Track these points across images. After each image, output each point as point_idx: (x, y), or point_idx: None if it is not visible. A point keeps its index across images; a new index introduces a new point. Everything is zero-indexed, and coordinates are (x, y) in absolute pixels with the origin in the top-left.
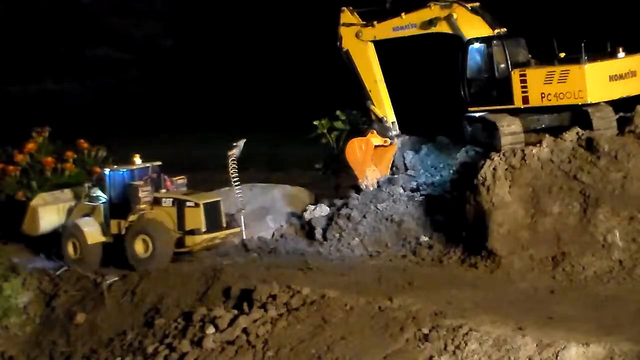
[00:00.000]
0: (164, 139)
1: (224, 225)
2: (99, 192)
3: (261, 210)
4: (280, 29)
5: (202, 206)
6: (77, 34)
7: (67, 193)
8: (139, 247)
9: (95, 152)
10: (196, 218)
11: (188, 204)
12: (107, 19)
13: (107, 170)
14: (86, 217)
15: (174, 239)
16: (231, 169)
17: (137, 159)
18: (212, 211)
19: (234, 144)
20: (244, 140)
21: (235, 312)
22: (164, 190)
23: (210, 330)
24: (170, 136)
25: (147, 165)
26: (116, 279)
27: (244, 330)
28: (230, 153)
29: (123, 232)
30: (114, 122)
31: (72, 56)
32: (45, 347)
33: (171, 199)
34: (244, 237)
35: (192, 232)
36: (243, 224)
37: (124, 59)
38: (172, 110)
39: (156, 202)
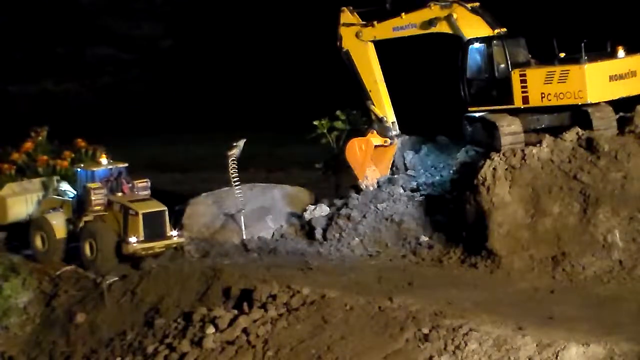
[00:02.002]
0: (164, 139)
1: (167, 235)
2: (66, 187)
3: (261, 210)
4: (280, 29)
5: (141, 215)
6: (77, 34)
7: (36, 184)
8: (87, 248)
9: (93, 151)
10: (135, 226)
11: (130, 211)
12: (107, 19)
13: (77, 168)
14: (55, 211)
15: (116, 244)
16: (231, 169)
17: (103, 160)
18: (153, 221)
19: (234, 144)
20: (244, 140)
21: (235, 312)
22: (120, 194)
23: (210, 330)
24: (170, 136)
25: (110, 167)
26: (116, 279)
27: (244, 330)
28: (230, 153)
29: (78, 229)
30: (114, 122)
31: (72, 56)
32: (45, 347)
33: (119, 204)
34: (244, 237)
35: (127, 241)
36: (243, 224)
37: (124, 59)
38: (172, 110)
39: (109, 205)
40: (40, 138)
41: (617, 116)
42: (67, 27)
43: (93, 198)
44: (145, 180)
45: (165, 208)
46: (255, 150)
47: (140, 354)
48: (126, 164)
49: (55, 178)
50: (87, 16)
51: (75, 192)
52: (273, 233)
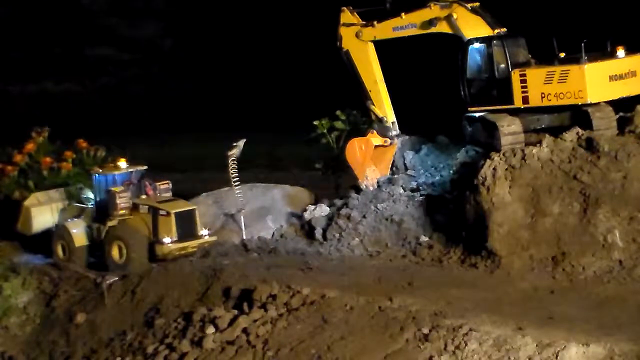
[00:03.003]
0: (164, 139)
1: (198, 234)
2: (89, 194)
3: (261, 210)
4: (280, 29)
5: (173, 215)
6: (77, 34)
7: (61, 193)
8: (115, 252)
9: (94, 152)
10: (168, 227)
11: (161, 212)
12: (107, 19)
13: (94, 174)
14: (75, 219)
15: (148, 246)
16: (231, 169)
17: (122, 163)
18: (184, 220)
19: (234, 144)
20: (244, 140)
21: (235, 312)
22: (144, 196)
23: (210, 330)
24: (170, 136)
25: (131, 170)
26: (116, 279)
27: (244, 330)
28: (230, 153)
29: (103, 236)
30: (114, 122)
31: (72, 56)
32: (45, 347)
33: (147, 206)
34: (244, 237)
35: (162, 242)
36: (243, 224)
37: (124, 59)
38: (171, 110)
39: (135, 208)
40: (41, 139)
41: (617, 116)
42: (67, 27)
43: (118, 202)
44: (167, 182)
45: (195, 207)
46: (255, 150)
47: (140, 354)
48: (145, 166)
49: (78, 185)
50: (87, 16)
51: (93, 199)
52: (273, 233)
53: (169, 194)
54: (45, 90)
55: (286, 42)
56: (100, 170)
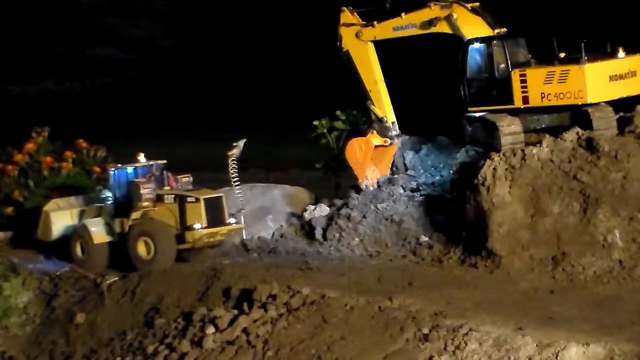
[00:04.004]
0: (164, 139)
1: (226, 221)
2: (107, 193)
3: (261, 210)
4: (280, 29)
5: (202, 201)
6: (77, 34)
7: (80, 198)
8: (141, 248)
9: (95, 152)
10: (197, 213)
11: (189, 199)
12: (107, 19)
13: (112, 169)
14: (94, 218)
15: (175, 236)
16: (231, 169)
17: (141, 157)
18: (213, 207)
19: (234, 144)
20: (244, 140)
21: (235, 312)
22: (167, 188)
23: (210, 330)
24: (170, 136)
25: (151, 163)
26: (116, 279)
27: (244, 330)
28: (230, 153)
29: (126, 230)
30: (114, 122)
31: (72, 56)
32: (45, 347)
33: (173, 195)
34: (244, 237)
35: (192, 228)
36: (243, 224)
37: (124, 59)
38: (172, 110)
39: (159, 199)
40: (41, 139)
41: (617, 116)
42: (67, 27)
43: (143, 192)
44: (187, 175)
45: (222, 194)
46: (255, 150)
47: (140, 354)
48: (165, 161)
49: (98, 188)
50: (87, 16)
51: (112, 195)
52: (273, 233)
53: (190, 187)
54: (45, 90)
55: (286, 42)
56: (119, 165)
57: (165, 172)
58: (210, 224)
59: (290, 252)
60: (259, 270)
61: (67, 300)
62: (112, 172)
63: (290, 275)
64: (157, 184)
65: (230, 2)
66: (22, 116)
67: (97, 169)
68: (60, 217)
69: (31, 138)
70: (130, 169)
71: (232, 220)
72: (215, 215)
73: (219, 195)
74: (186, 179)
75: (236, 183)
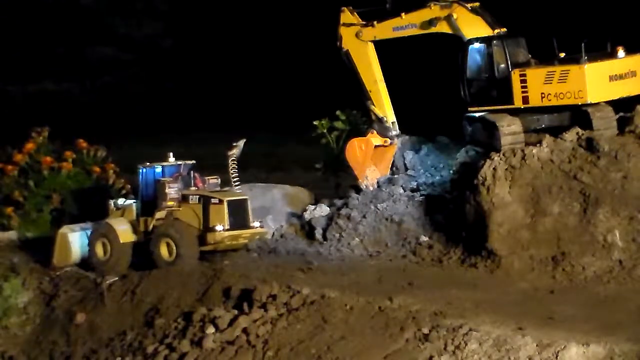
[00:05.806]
0: (164, 139)
1: (250, 224)
2: (123, 200)
3: (261, 210)
4: (280, 29)
5: (225, 203)
6: (77, 34)
7: (91, 224)
8: (163, 250)
9: (94, 152)
10: (219, 215)
11: (212, 200)
12: (107, 19)
13: (140, 167)
14: (118, 218)
15: (197, 237)
16: (231, 169)
17: (171, 157)
18: (236, 209)
19: (234, 144)
20: (244, 140)
21: (235, 312)
22: (193, 188)
23: (210, 330)
24: (169, 136)
25: (179, 163)
26: (116, 279)
27: (244, 330)
28: (230, 153)
29: (150, 229)
30: (114, 122)
31: (72, 56)
32: (45, 347)
33: (197, 196)
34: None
35: (214, 229)
36: None
37: (124, 59)
38: (171, 110)
39: (184, 199)
40: (41, 139)
41: (617, 116)
42: (67, 27)
43: (168, 191)
44: (216, 177)
45: (247, 197)
46: (255, 150)
47: (140, 354)
48: (194, 161)
49: (111, 201)
50: (87, 16)
51: (139, 193)
52: (273, 233)
53: (217, 189)
54: (45, 90)
55: (286, 42)
56: (147, 164)
57: (192, 172)
58: (233, 226)
59: (291, 252)
60: (259, 270)
61: (67, 300)
62: (140, 171)
63: (290, 275)
64: (183, 184)
65: (230, 2)
66: (22, 116)
67: (97, 169)
68: (78, 237)
69: (31, 138)
70: (158, 168)
71: (257, 223)
72: (239, 218)
73: (243, 197)
74: (214, 180)
75: (236, 183)
